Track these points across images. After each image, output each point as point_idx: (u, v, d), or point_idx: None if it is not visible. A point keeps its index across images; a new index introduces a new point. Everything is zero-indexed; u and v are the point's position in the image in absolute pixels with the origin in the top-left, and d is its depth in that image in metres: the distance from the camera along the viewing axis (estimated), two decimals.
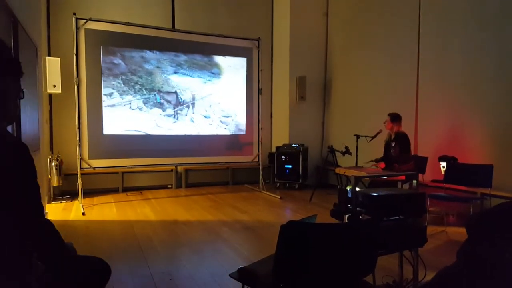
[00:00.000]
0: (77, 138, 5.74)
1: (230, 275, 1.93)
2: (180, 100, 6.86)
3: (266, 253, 2.16)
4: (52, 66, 5.61)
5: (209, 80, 7.11)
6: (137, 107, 6.50)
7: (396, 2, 6.22)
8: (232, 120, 7.38)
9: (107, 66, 6.20)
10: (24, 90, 1.49)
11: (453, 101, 5.23)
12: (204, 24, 7.41)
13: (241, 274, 1.85)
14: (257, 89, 7.31)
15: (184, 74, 6.87)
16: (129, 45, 6.35)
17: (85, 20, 5.78)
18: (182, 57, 6.84)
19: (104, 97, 6.18)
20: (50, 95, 6.33)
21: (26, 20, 3.89)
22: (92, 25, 5.89)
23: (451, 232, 4.33)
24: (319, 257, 1.61)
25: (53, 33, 6.50)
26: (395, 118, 4.83)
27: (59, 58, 5.73)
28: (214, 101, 7.20)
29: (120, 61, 6.30)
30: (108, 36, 6.17)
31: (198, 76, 7.00)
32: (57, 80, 5.63)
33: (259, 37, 7.24)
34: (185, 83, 6.90)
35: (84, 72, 5.86)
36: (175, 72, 6.79)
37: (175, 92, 6.82)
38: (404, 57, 5.97)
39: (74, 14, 5.68)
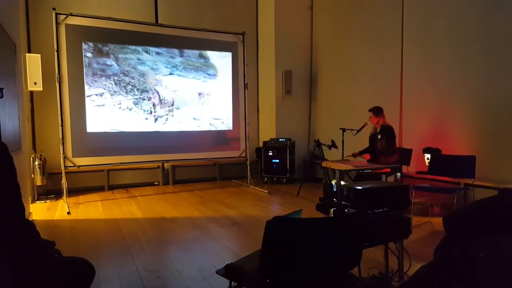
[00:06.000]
0: (60, 136, 5.63)
1: (216, 272, 1.93)
2: (170, 101, 6.79)
3: (255, 248, 2.16)
4: (33, 63, 5.46)
5: (204, 81, 7.09)
6: (127, 107, 6.42)
7: None
8: (222, 123, 7.35)
9: (100, 67, 6.12)
10: (2, 88, 1.45)
11: (437, 94, 5.30)
12: (188, 18, 7.32)
13: (228, 271, 1.84)
14: (243, 84, 7.27)
15: (180, 75, 6.83)
16: (111, 40, 6.23)
17: (65, 15, 5.64)
18: (178, 59, 6.80)
19: (94, 97, 6.09)
20: (32, 92, 6.18)
21: (3, 15, 3.78)
22: (72, 20, 5.76)
23: (436, 222, 4.41)
24: (305, 251, 1.62)
25: (32, 29, 6.34)
26: (378, 111, 4.85)
27: (39, 55, 5.59)
28: (207, 102, 7.16)
29: (113, 62, 6.23)
30: (89, 32, 6.04)
31: (193, 78, 6.97)
32: (38, 77, 5.49)
33: (244, 31, 7.19)
34: (179, 84, 6.84)
35: (65, 69, 5.73)
36: (170, 74, 6.74)
37: (166, 93, 6.74)
38: (389, 49, 6.02)
39: (54, 9, 5.55)
